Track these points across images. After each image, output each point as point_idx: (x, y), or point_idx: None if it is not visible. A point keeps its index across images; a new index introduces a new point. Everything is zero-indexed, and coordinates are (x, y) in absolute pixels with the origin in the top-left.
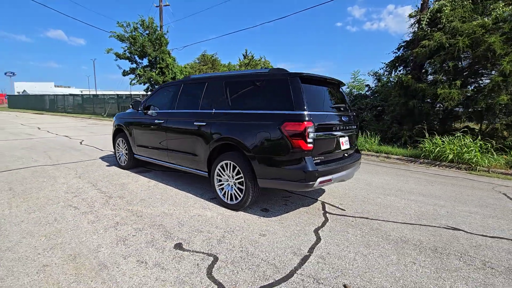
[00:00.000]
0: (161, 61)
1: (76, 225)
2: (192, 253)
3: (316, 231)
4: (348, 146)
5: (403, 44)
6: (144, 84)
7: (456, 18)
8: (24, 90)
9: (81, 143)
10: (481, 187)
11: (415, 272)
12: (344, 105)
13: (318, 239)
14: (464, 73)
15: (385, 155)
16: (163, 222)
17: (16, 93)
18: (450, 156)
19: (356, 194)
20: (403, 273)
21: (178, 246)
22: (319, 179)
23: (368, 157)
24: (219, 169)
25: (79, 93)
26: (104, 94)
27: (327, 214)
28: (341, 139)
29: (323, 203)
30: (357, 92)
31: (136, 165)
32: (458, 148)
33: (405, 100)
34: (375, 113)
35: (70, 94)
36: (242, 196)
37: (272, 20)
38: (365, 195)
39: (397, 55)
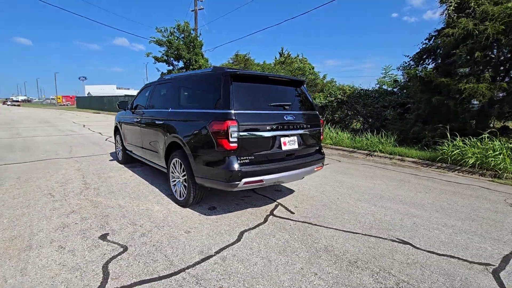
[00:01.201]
0: (194, 62)
1: (39, 211)
2: (109, 243)
3: (242, 233)
4: (294, 147)
5: (434, 34)
6: None
7: (487, 0)
8: (89, 92)
9: (106, 139)
10: (489, 198)
11: (307, 284)
12: (290, 103)
13: (238, 240)
14: (506, 64)
15: (399, 157)
16: (111, 213)
17: (85, 95)
18: (471, 161)
19: (325, 197)
20: (293, 282)
21: (103, 236)
22: (244, 180)
23: (379, 160)
24: (172, 166)
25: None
26: None
27: (270, 217)
28: (284, 139)
29: (277, 205)
30: (384, 88)
31: (133, 160)
32: (482, 152)
33: (428, 97)
34: (399, 111)
35: (125, 95)
36: (186, 193)
37: (303, 13)
38: (334, 199)
39: (425, 46)
